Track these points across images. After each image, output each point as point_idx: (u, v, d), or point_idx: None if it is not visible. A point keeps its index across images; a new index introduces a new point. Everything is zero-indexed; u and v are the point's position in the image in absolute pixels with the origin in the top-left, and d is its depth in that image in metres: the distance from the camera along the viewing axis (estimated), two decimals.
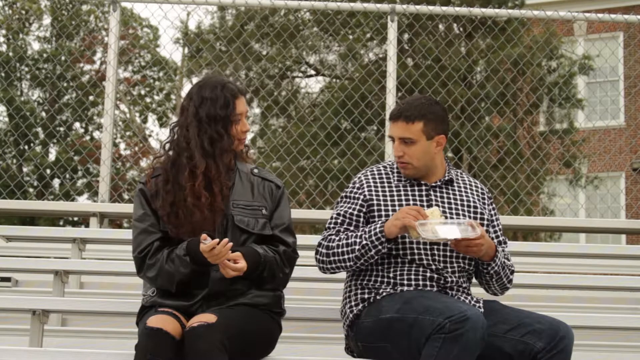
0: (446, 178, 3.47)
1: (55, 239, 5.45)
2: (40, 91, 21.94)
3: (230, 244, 3.15)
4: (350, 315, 3.42)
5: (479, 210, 3.47)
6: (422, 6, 6.70)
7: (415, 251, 3.35)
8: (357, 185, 3.49)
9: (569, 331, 3.22)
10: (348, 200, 3.47)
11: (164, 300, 3.29)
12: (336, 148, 10.37)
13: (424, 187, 3.45)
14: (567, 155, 12.31)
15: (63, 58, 18.29)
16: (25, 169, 20.72)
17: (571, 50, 14.03)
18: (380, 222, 3.30)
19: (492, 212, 3.54)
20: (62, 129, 21.00)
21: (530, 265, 5.65)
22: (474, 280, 3.55)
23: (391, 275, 3.36)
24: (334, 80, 15.26)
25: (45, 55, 21.49)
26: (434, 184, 3.46)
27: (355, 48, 13.97)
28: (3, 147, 17.62)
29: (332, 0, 6.87)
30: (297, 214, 5.97)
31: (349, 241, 3.33)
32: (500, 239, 3.52)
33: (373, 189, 3.46)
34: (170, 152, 3.38)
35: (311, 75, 16.23)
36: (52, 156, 21.09)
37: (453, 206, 3.43)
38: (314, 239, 5.44)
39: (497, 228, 3.53)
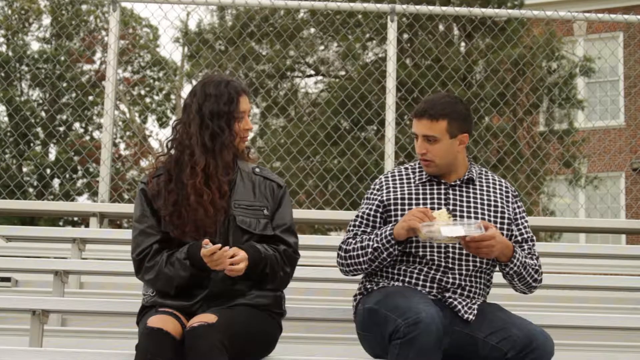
0: (466, 177, 3.48)
1: (55, 239, 5.45)
2: (40, 91, 21.94)
3: (231, 252, 3.15)
4: (354, 303, 3.53)
5: (499, 209, 3.46)
6: (422, 6, 6.69)
7: (428, 250, 3.36)
8: (377, 187, 3.55)
9: (546, 344, 3.18)
10: (367, 201, 3.54)
11: (165, 300, 3.28)
12: (336, 148, 10.36)
13: (442, 187, 3.47)
14: (567, 155, 12.30)
15: (63, 58, 18.28)
16: (25, 169, 20.72)
17: (571, 51, 14.03)
18: (392, 224, 3.35)
19: (518, 211, 3.52)
20: (62, 129, 21.00)
21: None
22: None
23: (395, 272, 3.40)
24: (334, 80, 15.26)
25: (45, 55, 21.48)
26: (453, 183, 3.47)
27: (355, 48, 13.97)
28: (3, 147, 17.62)
29: (332, 0, 6.87)
30: (297, 214, 5.92)
31: (363, 244, 3.39)
32: (525, 236, 3.49)
33: (392, 189, 3.49)
34: (173, 151, 3.39)
35: (311, 75, 16.23)
36: (52, 156, 21.09)
37: (472, 205, 3.44)
38: (314, 239, 5.47)
39: (522, 227, 3.50)
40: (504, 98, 9.78)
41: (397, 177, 3.55)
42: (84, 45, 20.40)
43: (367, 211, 3.50)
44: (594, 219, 7.31)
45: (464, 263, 3.37)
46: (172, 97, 21.91)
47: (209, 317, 3.09)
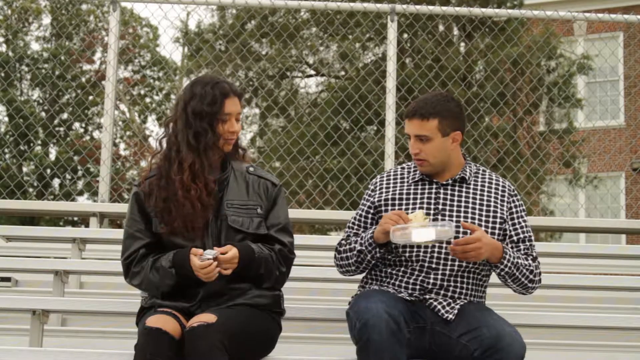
0: (458, 176, 3.46)
1: (55, 239, 5.46)
2: (40, 91, 21.94)
3: (218, 269, 3.16)
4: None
5: (491, 208, 3.43)
6: (422, 6, 6.71)
7: (415, 251, 3.36)
8: (372, 188, 3.57)
9: (513, 345, 3.13)
10: (363, 203, 3.57)
11: (163, 300, 3.29)
12: (336, 148, 10.36)
13: (434, 186, 3.46)
14: (567, 155, 12.30)
15: (63, 58, 18.28)
16: (25, 169, 20.72)
17: (571, 51, 14.03)
18: (374, 227, 3.37)
19: (514, 210, 3.47)
20: (62, 128, 21.00)
21: None
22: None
23: (383, 274, 3.43)
24: (334, 80, 15.26)
25: (45, 55, 21.48)
26: (444, 182, 3.46)
27: (355, 48, 13.97)
28: (3, 147, 17.62)
29: (332, 0, 6.87)
30: (296, 213, 5.97)
31: (351, 246, 3.43)
32: (522, 236, 3.44)
33: (385, 190, 3.51)
34: (164, 147, 3.41)
35: (311, 75, 16.23)
36: (52, 156, 21.10)
37: (463, 204, 3.42)
38: (313, 239, 5.48)
39: (518, 227, 3.45)
40: (504, 98, 9.79)
41: (391, 177, 3.56)
42: (84, 45, 20.40)
43: (361, 212, 3.54)
44: (594, 219, 7.32)
45: (449, 263, 3.35)
46: (172, 97, 21.90)
47: (208, 317, 3.09)
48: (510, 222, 3.45)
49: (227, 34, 13.51)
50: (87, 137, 21.32)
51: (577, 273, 5.45)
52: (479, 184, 3.49)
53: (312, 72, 16.05)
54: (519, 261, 3.34)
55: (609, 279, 5.05)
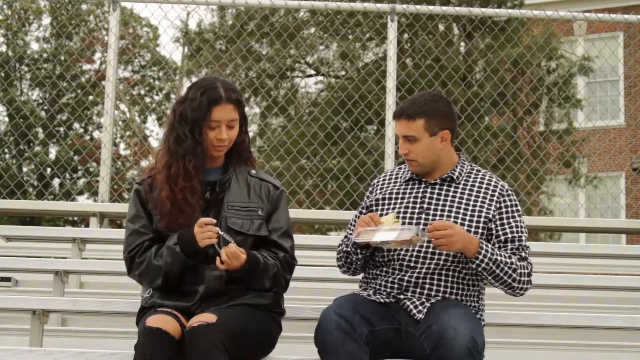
0: (446, 175, 3.46)
1: (55, 239, 5.46)
2: (40, 91, 21.94)
3: (234, 247, 3.18)
4: None
5: (477, 208, 3.40)
6: (422, 6, 6.71)
7: (396, 252, 3.38)
8: (370, 189, 3.62)
9: (455, 339, 3.08)
10: (362, 204, 3.62)
11: (163, 300, 3.28)
12: (336, 148, 10.37)
13: (422, 186, 3.47)
14: (567, 155, 12.30)
15: (63, 58, 18.28)
16: (25, 169, 20.73)
17: (571, 51, 14.03)
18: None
19: (504, 210, 3.42)
20: (62, 128, 21.00)
21: None
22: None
23: (370, 276, 3.48)
24: (334, 80, 15.26)
25: (45, 55, 21.48)
26: (432, 182, 3.46)
27: (355, 48, 13.97)
28: (3, 147, 17.63)
29: (332, 0, 6.87)
30: (297, 213, 5.97)
31: (343, 247, 3.51)
32: (510, 236, 3.38)
33: (379, 190, 3.55)
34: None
35: (311, 75, 16.23)
36: (52, 156, 21.10)
37: (447, 203, 3.41)
38: (313, 239, 5.49)
39: (507, 226, 3.40)
40: (504, 98, 9.79)
41: (387, 177, 3.60)
42: (83, 45, 20.40)
43: (357, 213, 3.59)
44: (594, 219, 7.31)
45: (427, 261, 3.34)
46: (172, 96, 21.90)
47: (208, 317, 3.09)
48: (498, 222, 3.41)
49: (227, 33, 13.52)
50: (87, 137, 21.32)
51: (577, 273, 5.45)
52: (469, 183, 3.47)
53: (312, 72, 16.06)
54: (499, 258, 3.28)
55: (609, 279, 5.05)
